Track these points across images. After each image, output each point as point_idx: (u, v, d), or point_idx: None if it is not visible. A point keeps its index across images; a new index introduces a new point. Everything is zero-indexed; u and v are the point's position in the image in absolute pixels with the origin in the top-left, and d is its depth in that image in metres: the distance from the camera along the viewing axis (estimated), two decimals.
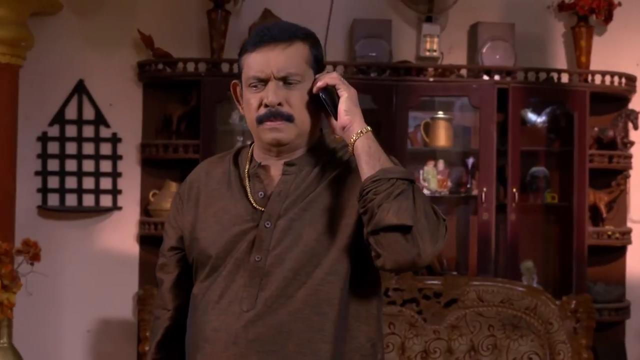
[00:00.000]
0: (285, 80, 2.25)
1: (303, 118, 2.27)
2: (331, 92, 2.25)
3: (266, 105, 2.25)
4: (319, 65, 2.31)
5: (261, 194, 2.30)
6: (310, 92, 2.26)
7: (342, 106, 2.23)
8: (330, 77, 2.25)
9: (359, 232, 2.23)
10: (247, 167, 2.35)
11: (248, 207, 2.30)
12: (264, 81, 2.26)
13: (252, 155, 2.37)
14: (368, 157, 2.19)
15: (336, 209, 2.26)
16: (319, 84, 2.24)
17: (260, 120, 2.27)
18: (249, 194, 2.31)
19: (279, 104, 2.24)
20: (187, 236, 2.38)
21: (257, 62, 2.26)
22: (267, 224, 2.26)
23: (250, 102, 2.28)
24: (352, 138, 2.21)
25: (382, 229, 2.12)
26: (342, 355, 2.25)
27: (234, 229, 2.28)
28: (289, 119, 2.25)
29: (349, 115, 2.22)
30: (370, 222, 2.15)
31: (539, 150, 5.60)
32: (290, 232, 2.24)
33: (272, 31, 2.28)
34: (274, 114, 2.25)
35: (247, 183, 2.33)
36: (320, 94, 2.25)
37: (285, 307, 2.21)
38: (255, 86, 2.27)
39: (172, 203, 2.47)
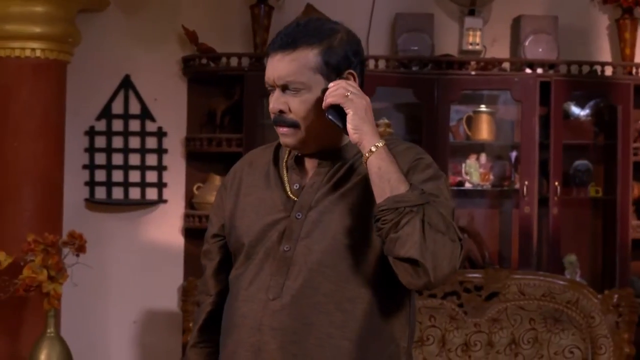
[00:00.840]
0: (287, 88, 2.24)
1: (310, 123, 2.24)
2: (339, 109, 2.20)
3: (270, 111, 2.28)
4: (332, 69, 2.24)
5: (296, 186, 2.31)
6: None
7: (349, 125, 2.17)
8: (332, 95, 2.18)
9: None
10: (285, 158, 2.36)
11: (283, 197, 2.30)
12: (273, 87, 2.26)
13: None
14: (378, 179, 2.15)
15: (367, 205, 2.23)
16: (324, 104, 2.20)
17: (274, 124, 2.29)
18: (286, 185, 2.32)
19: (281, 112, 2.25)
20: (227, 224, 2.39)
21: (267, 69, 2.26)
22: (299, 215, 2.26)
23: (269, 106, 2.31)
24: (364, 155, 2.18)
25: (393, 257, 2.12)
26: (365, 355, 2.22)
27: (267, 218, 2.29)
28: (293, 125, 2.25)
29: (357, 133, 2.16)
30: (383, 246, 2.15)
31: (582, 143, 5.53)
32: (320, 224, 2.24)
33: (281, 37, 2.25)
34: (278, 121, 2.26)
35: (284, 174, 2.34)
36: (327, 115, 2.21)
37: (310, 298, 2.21)
38: (269, 91, 2.28)
39: (217, 192, 2.50)
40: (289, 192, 2.30)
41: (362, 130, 2.16)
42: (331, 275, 2.21)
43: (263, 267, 2.26)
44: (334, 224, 2.23)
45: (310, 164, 2.32)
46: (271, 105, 2.25)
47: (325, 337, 2.19)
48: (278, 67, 2.23)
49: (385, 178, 2.14)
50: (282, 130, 2.26)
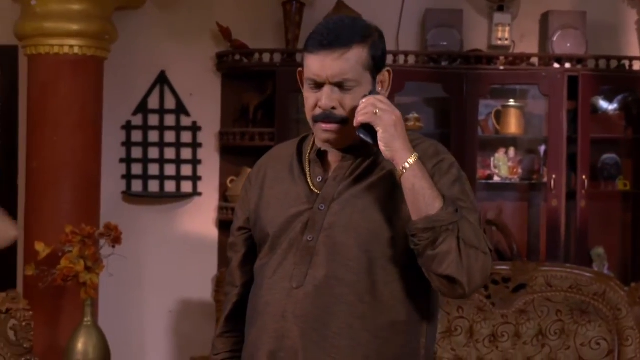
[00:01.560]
0: (341, 86, 2.24)
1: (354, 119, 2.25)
2: (370, 126, 2.20)
3: (321, 107, 2.27)
4: (377, 63, 2.27)
5: (319, 178, 2.32)
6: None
7: (380, 144, 2.18)
8: (362, 114, 2.19)
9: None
10: (308, 152, 2.37)
11: (306, 190, 2.32)
12: (320, 84, 2.26)
13: (314, 141, 2.38)
14: (412, 196, 2.16)
15: (389, 200, 2.25)
16: (355, 122, 2.21)
17: (315, 120, 2.28)
18: (309, 178, 2.33)
19: (333, 108, 2.25)
20: (252, 216, 2.41)
21: (315, 66, 2.24)
22: (321, 206, 2.28)
23: (308, 100, 2.29)
24: (398, 172, 2.19)
25: (430, 272, 2.16)
26: (384, 348, 2.23)
27: (291, 210, 2.31)
28: (343, 121, 2.26)
29: (388, 150, 2.17)
30: (419, 260, 2.18)
31: (610, 137, 5.50)
32: (342, 216, 2.25)
33: (331, 36, 2.24)
34: (327, 117, 2.26)
35: (307, 167, 2.35)
36: (358, 133, 2.21)
37: (332, 289, 2.22)
38: (312, 87, 2.27)
39: (243, 186, 2.52)
40: (312, 185, 2.32)
41: (393, 147, 2.17)
42: (353, 267, 2.23)
43: (287, 257, 2.28)
44: (356, 216, 2.24)
45: (333, 157, 2.34)
46: (324, 102, 2.24)
47: (345, 327, 2.21)
48: (333, 65, 2.23)
49: (420, 195, 2.16)
50: (328, 126, 2.26)
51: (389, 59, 4.99)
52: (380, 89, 2.30)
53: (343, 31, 2.25)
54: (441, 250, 2.12)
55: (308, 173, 2.34)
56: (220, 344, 2.50)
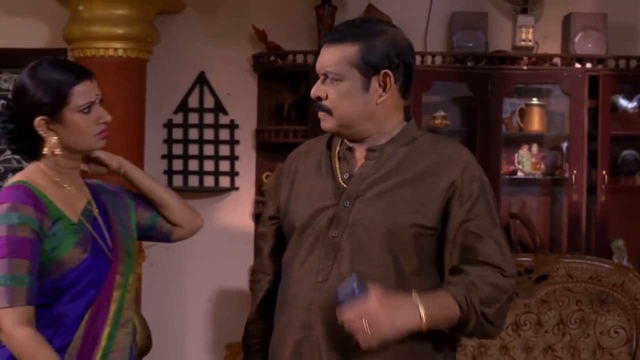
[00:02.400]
0: (326, 77, 2.29)
1: (342, 112, 2.28)
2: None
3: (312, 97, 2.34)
4: (372, 64, 2.27)
5: (346, 175, 2.33)
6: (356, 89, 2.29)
7: (367, 339, 2.15)
8: (357, 333, 2.15)
9: (431, 236, 2.27)
10: (337, 148, 2.39)
11: (333, 185, 2.33)
12: (320, 75, 2.33)
13: (343, 138, 2.40)
14: (437, 325, 2.23)
15: (413, 202, 2.26)
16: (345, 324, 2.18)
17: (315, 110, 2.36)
18: (337, 174, 2.35)
19: (319, 98, 2.30)
20: (282, 208, 2.43)
21: (318, 58, 2.33)
22: (346, 203, 2.29)
23: None
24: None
25: None
26: (406, 341, 2.22)
27: (317, 205, 2.33)
28: (328, 111, 2.30)
29: (381, 335, 2.16)
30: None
31: (630, 134, 5.47)
32: (366, 215, 2.26)
33: (332, 32, 2.32)
34: (316, 106, 2.33)
35: (336, 163, 2.37)
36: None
37: None
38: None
39: (273, 177, 2.55)
40: (339, 181, 2.33)
41: (381, 332, 2.15)
42: (376, 265, 2.24)
43: (313, 251, 2.29)
44: (378, 216, 2.26)
45: (359, 153, 2.35)
46: (312, 92, 2.32)
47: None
48: (323, 57, 2.30)
49: (442, 323, 2.23)
50: (320, 115, 2.33)
51: (417, 59, 5.01)
52: (381, 91, 2.29)
53: (346, 30, 2.30)
54: (474, 332, 2.26)
55: (337, 168, 2.35)
56: (252, 330, 2.52)
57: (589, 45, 5.33)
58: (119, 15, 5.03)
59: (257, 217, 5.49)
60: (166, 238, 2.63)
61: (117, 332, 2.37)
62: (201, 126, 5.60)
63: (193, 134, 5.61)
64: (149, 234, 2.60)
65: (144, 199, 2.58)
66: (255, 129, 5.55)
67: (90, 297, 2.34)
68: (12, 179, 2.37)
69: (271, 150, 5.52)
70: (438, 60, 5.32)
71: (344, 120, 2.29)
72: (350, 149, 2.36)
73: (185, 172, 5.60)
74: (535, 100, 5.45)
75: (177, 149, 5.60)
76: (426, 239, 2.27)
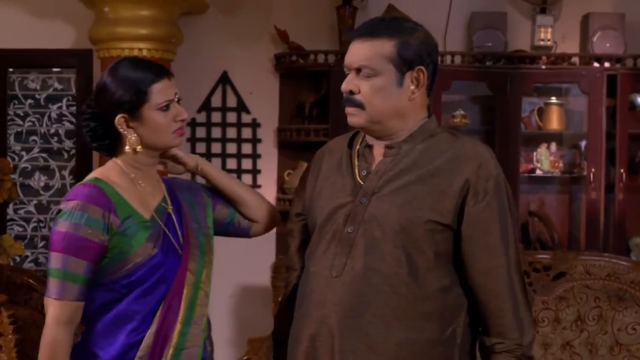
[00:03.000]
0: (359, 72, 2.27)
1: (375, 107, 2.27)
2: None
3: (343, 91, 2.32)
4: (404, 62, 2.27)
5: (364, 172, 2.33)
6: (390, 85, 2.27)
7: None
8: None
9: (447, 233, 2.26)
10: (358, 146, 2.39)
11: (352, 182, 2.33)
12: (349, 71, 2.31)
13: (364, 136, 2.40)
14: None
15: (427, 200, 2.25)
16: None
17: (344, 104, 2.33)
18: (356, 171, 2.34)
19: (351, 92, 2.29)
20: (306, 206, 2.44)
21: (347, 53, 2.31)
22: (363, 199, 2.29)
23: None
24: None
25: None
26: (417, 336, 2.23)
27: (336, 201, 2.33)
28: (359, 106, 2.28)
29: None
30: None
31: None
32: (380, 212, 2.26)
33: (364, 27, 2.30)
34: (347, 101, 2.31)
35: (356, 160, 2.36)
36: None
37: (368, 279, 2.23)
38: (347, 73, 2.32)
39: (302, 175, 2.55)
40: (357, 178, 2.33)
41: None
42: (389, 261, 2.23)
43: (329, 247, 2.30)
44: (392, 213, 2.25)
45: (378, 151, 2.34)
46: (343, 86, 2.30)
47: (379, 316, 2.22)
48: (355, 51, 2.27)
49: None
50: (349, 109, 2.31)
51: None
52: (414, 87, 2.29)
53: (379, 26, 2.29)
54: None
55: (356, 166, 2.35)
56: (281, 323, 2.52)
57: (607, 45, 5.31)
58: (143, 16, 5.05)
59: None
60: (245, 234, 2.65)
61: (190, 329, 2.38)
62: (224, 125, 5.62)
63: (216, 132, 5.62)
64: (228, 230, 2.62)
65: (222, 196, 2.60)
66: (277, 128, 5.56)
67: (160, 294, 2.35)
68: (89, 176, 2.40)
69: (293, 149, 5.54)
70: (457, 59, 5.32)
71: (375, 116, 2.28)
72: (369, 147, 2.36)
73: None
74: (553, 99, 5.43)
75: (200, 148, 5.61)
76: (441, 235, 2.26)
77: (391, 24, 2.29)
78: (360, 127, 2.34)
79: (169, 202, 2.46)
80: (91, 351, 2.33)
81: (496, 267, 2.26)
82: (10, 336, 2.66)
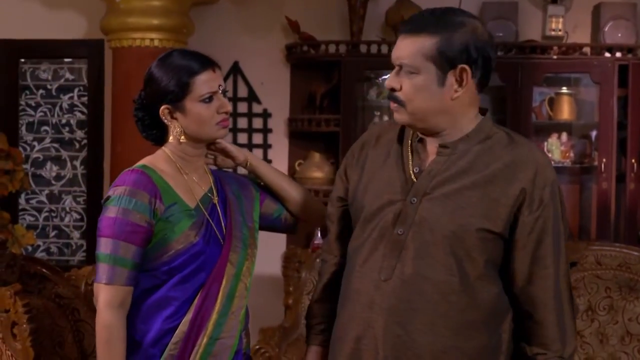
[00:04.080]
0: (401, 68, 2.20)
1: (416, 106, 2.19)
2: None
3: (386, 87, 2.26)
4: (448, 58, 2.16)
5: (416, 169, 2.25)
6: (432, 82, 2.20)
7: None
8: None
9: (498, 241, 2.20)
10: (410, 138, 2.30)
11: (402, 178, 2.25)
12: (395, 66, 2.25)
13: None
14: None
15: (481, 206, 2.18)
16: None
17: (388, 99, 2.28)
18: (408, 166, 2.27)
19: (393, 89, 2.22)
20: (351, 193, 2.37)
21: (394, 47, 2.24)
22: (414, 200, 2.21)
23: None
24: None
25: None
26: (465, 345, 2.19)
27: (384, 197, 2.25)
28: (401, 103, 2.21)
29: None
30: None
31: None
32: (432, 215, 2.18)
33: (410, 22, 2.22)
34: (390, 97, 2.24)
35: (409, 154, 2.28)
36: None
37: (418, 285, 2.17)
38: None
39: (345, 157, 2.46)
40: (410, 174, 2.25)
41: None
42: (439, 268, 2.17)
43: (378, 248, 2.22)
44: (445, 218, 2.17)
45: (432, 148, 2.25)
46: (387, 82, 2.24)
47: (428, 324, 2.17)
48: (399, 47, 2.20)
49: None
50: (392, 106, 2.24)
51: None
52: (457, 86, 2.18)
53: (425, 20, 2.19)
54: None
55: (409, 161, 2.27)
56: (317, 309, 2.47)
57: (619, 35, 5.29)
58: (155, 6, 5.06)
59: None
60: (291, 230, 2.65)
61: (227, 320, 2.38)
62: (235, 115, 5.61)
63: None
64: (275, 225, 2.62)
65: (270, 192, 2.59)
66: (288, 118, 5.56)
67: (200, 281, 2.35)
68: (137, 163, 2.41)
69: (304, 139, 5.55)
70: None
71: (417, 114, 2.21)
72: (422, 141, 2.27)
73: None
74: (564, 89, 5.42)
75: None
76: (493, 243, 2.19)
77: (438, 19, 2.18)
78: (404, 124, 2.27)
79: (215, 193, 2.46)
80: (129, 335, 2.34)
81: (545, 277, 2.21)
82: (24, 325, 2.66)
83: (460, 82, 2.18)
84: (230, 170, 2.64)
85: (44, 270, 3.12)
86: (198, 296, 2.35)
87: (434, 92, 2.18)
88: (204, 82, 2.37)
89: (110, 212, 2.32)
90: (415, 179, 2.23)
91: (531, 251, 2.20)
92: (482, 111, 2.30)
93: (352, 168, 2.39)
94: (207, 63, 2.39)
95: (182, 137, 2.40)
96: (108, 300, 2.30)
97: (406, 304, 2.17)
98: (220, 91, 2.40)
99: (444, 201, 2.18)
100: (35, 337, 2.68)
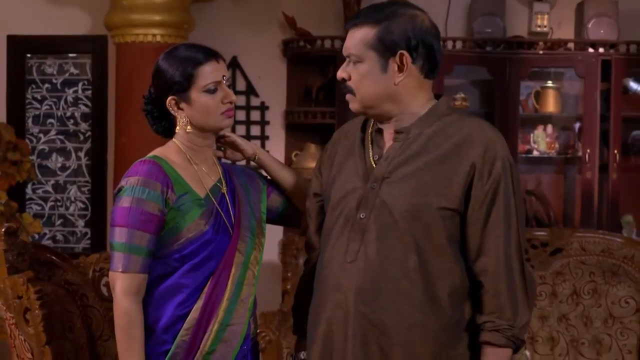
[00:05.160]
0: (349, 59, 2.26)
1: (363, 93, 2.24)
2: None
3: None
4: (388, 45, 2.20)
5: (376, 157, 2.29)
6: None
7: None
8: None
9: (456, 218, 2.21)
10: (370, 130, 2.34)
11: (364, 167, 2.29)
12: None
13: (373, 120, 2.35)
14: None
15: (436, 185, 2.20)
16: None
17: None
18: (369, 156, 2.30)
19: (343, 80, 2.27)
20: (323, 188, 2.41)
21: (345, 42, 2.30)
22: (374, 185, 2.24)
23: None
24: None
25: None
26: (428, 320, 2.19)
27: (348, 185, 2.29)
28: (352, 92, 2.27)
29: None
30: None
31: None
32: (390, 198, 2.21)
33: (357, 15, 2.29)
34: (343, 87, 2.29)
35: (369, 145, 2.31)
36: None
37: (381, 265, 2.19)
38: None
39: (320, 154, 2.50)
40: (370, 162, 2.28)
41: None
42: (399, 247, 2.19)
43: (343, 232, 2.25)
44: (402, 199, 2.20)
45: (388, 135, 2.29)
46: (337, 74, 2.29)
47: (391, 302, 2.18)
48: (347, 40, 2.27)
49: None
50: (347, 96, 2.29)
51: None
52: (398, 72, 2.22)
53: (365, 13, 2.26)
54: None
55: (369, 150, 2.30)
56: (302, 299, 2.48)
57: (602, 31, 5.30)
58: (157, 2, 5.05)
59: None
60: (296, 224, 2.62)
61: (236, 307, 2.37)
62: (233, 108, 5.58)
63: None
64: (281, 219, 2.61)
65: (277, 186, 2.58)
66: (285, 111, 5.56)
67: (210, 269, 2.34)
68: (149, 154, 2.40)
69: (300, 131, 5.55)
70: (459, 45, 5.31)
71: (366, 101, 2.25)
72: (379, 131, 2.30)
73: None
74: (549, 83, 5.43)
75: None
76: (451, 220, 2.21)
77: (378, 11, 2.24)
78: (358, 112, 2.31)
79: (224, 183, 2.45)
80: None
81: (495, 247, 2.21)
82: (37, 311, 2.64)
83: (401, 68, 2.22)
84: (239, 163, 2.63)
85: (54, 257, 3.11)
86: (209, 283, 2.34)
87: (379, 78, 2.23)
88: (208, 72, 2.36)
89: (124, 202, 2.31)
90: (375, 166, 2.26)
91: (482, 222, 2.21)
92: (439, 97, 2.33)
93: (324, 164, 2.42)
94: (210, 54, 2.38)
95: (189, 127, 2.39)
96: (125, 287, 2.29)
97: (370, 283, 2.19)
98: (224, 81, 2.39)
99: (400, 184, 2.21)
100: (47, 323, 2.67)
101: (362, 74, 2.23)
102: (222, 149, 2.56)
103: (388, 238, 2.20)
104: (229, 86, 2.42)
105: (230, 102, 2.40)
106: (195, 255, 2.34)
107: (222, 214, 2.39)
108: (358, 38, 2.23)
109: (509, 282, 2.22)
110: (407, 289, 2.18)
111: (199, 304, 2.33)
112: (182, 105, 2.38)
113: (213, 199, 2.40)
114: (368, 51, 2.22)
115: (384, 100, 2.24)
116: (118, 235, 2.30)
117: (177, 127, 2.41)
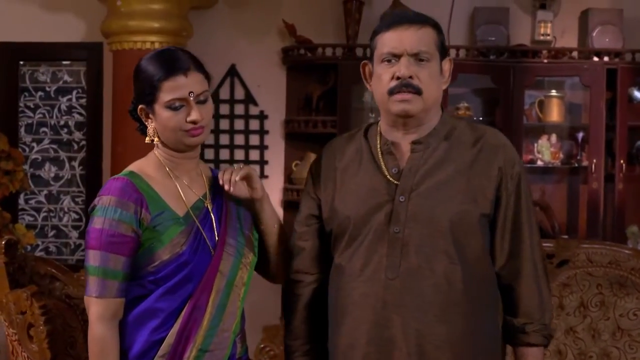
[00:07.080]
0: (417, 57, 2.20)
1: (430, 93, 2.22)
2: None
3: (398, 78, 2.20)
4: (443, 50, 2.26)
5: (394, 170, 2.25)
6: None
7: None
8: None
9: (487, 221, 2.23)
10: (378, 143, 2.29)
11: (383, 181, 2.25)
12: (397, 57, 2.21)
13: (381, 132, 2.31)
14: None
15: (467, 191, 2.21)
16: None
17: (392, 92, 2.21)
18: (384, 169, 2.26)
19: (410, 77, 2.20)
20: (326, 209, 2.32)
21: (392, 40, 2.22)
22: (402, 198, 2.21)
23: (382, 77, 2.23)
24: None
25: None
26: (475, 327, 2.21)
27: (370, 202, 2.24)
28: (418, 91, 2.20)
29: None
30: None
31: None
32: (425, 209, 2.19)
33: (406, 15, 2.27)
34: (405, 86, 2.20)
35: (380, 158, 2.28)
36: None
37: (427, 279, 2.17)
38: (388, 61, 2.22)
39: (307, 178, 2.41)
40: (389, 176, 2.25)
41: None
42: (442, 258, 2.17)
43: (376, 250, 2.20)
44: (438, 209, 2.19)
45: (405, 147, 2.26)
46: (403, 71, 2.19)
47: (443, 313, 2.17)
48: (411, 37, 2.20)
49: None
50: (406, 96, 2.20)
51: None
52: (447, 76, 2.28)
53: (421, 16, 2.28)
54: None
55: (383, 164, 2.26)
56: (300, 331, 2.40)
57: (606, 40, 5.30)
58: (155, 9, 5.02)
59: (286, 204, 5.48)
60: (262, 273, 2.45)
61: (217, 332, 2.24)
62: (232, 117, 5.58)
63: (224, 124, 5.58)
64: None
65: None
66: (285, 120, 5.53)
67: (187, 292, 2.21)
68: (126, 169, 2.28)
69: (300, 140, 5.51)
70: (462, 53, 5.30)
71: (429, 102, 2.23)
72: (393, 143, 2.27)
73: (217, 161, 5.58)
74: (553, 92, 5.42)
75: (209, 139, 5.50)
76: (486, 227, 2.23)
77: (428, 16, 2.29)
78: (412, 114, 2.23)
79: (208, 198, 2.31)
80: None
81: (524, 250, 2.26)
82: (41, 327, 2.60)
83: (446, 74, 2.28)
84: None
85: (54, 270, 3.07)
86: (185, 307, 2.21)
87: (439, 80, 2.26)
88: (171, 88, 2.21)
89: (97, 223, 2.19)
90: (396, 180, 2.23)
91: (510, 226, 2.25)
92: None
93: (320, 185, 2.34)
94: (176, 68, 2.23)
95: (155, 139, 2.27)
96: (100, 313, 2.19)
97: (419, 298, 2.17)
98: (191, 98, 2.22)
99: (433, 194, 2.20)
100: (51, 339, 2.63)
101: (432, 74, 2.22)
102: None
103: (429, 250, 2.18)
104: (204, 101, 2.25)
105: (194, 122, 2.22)
106: (171, 278, 2.20)
107: (202, 232, 2.25)
108: (428, 36, 2.23)
109: (538, 283, 2.28)
110: (456, 299, 2.18)
111: (174, 329, 2.20)
112: (151, 116, 2.27)
113: (194, 216, 2.25)
114: (435, 52, 2.23)
115: (433, 105, 2.25)
116: (92, 258, 2.19)
117: (147, 138, 2.29)
